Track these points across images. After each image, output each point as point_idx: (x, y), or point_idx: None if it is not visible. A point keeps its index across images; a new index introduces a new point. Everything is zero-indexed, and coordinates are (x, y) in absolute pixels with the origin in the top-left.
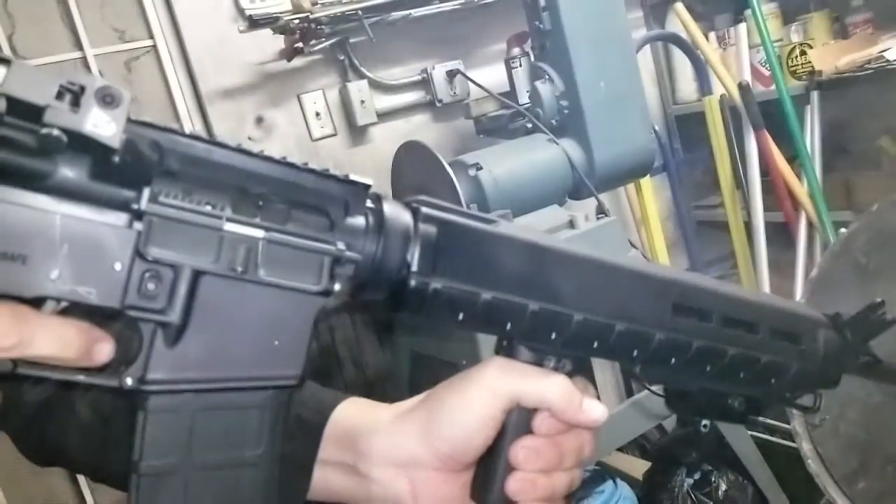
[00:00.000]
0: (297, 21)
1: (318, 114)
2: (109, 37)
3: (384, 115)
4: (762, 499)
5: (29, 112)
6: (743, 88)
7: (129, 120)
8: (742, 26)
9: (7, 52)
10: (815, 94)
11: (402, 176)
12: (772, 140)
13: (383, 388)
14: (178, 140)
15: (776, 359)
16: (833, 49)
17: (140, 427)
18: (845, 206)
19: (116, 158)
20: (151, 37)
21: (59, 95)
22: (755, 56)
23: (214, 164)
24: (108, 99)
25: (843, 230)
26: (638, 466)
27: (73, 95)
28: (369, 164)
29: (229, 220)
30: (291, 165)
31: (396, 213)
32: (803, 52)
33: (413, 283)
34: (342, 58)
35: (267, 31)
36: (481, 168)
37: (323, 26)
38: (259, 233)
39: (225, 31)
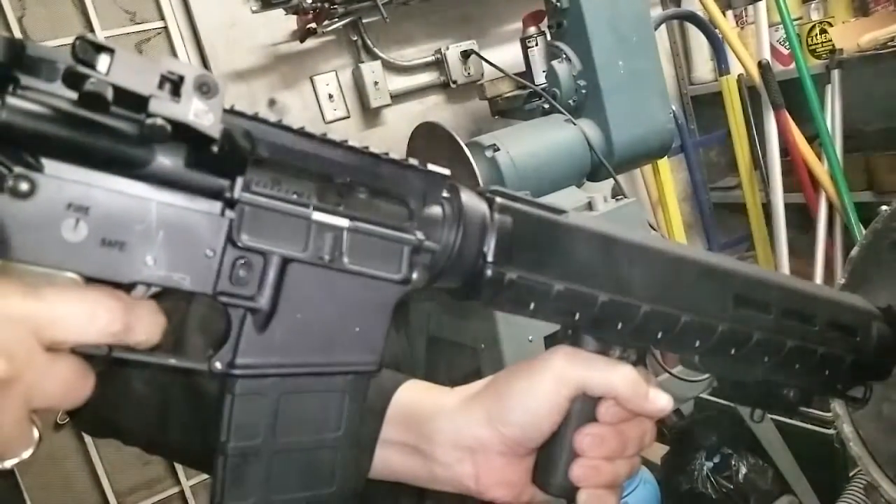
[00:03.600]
0: (309, 1)
1: (330, 96)
2: (120, 18)
3: (398, 97)
4: (783, 482)
5: (133, 101)
6: (763, 67)
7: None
8: (761, 4)
9: (17, 34)
10: (835, 73)
11: (417, 158)
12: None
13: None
14: (268, 129)
15: (832, 351)
16: (854, 27)
17: (227, 410)
18: (866, 187)
19: (215, 148)
20: (162, 18)
21: (160, 84)
22: (773, 35)
23: (300, 154)
24: (204, 88)
25: (883, 207)
26: (657, 450)
27: (173, 84)
28: (383, 147)
29: (316, 208)
30: (373, 155)
31: (473, 202)
32: (823, 31)
33: (490, 272)
34: (355, 38)
35: (279, 12)
36: (498, 149)
37: (336, 6)
38: (344, 222)
39: (237, 12)
